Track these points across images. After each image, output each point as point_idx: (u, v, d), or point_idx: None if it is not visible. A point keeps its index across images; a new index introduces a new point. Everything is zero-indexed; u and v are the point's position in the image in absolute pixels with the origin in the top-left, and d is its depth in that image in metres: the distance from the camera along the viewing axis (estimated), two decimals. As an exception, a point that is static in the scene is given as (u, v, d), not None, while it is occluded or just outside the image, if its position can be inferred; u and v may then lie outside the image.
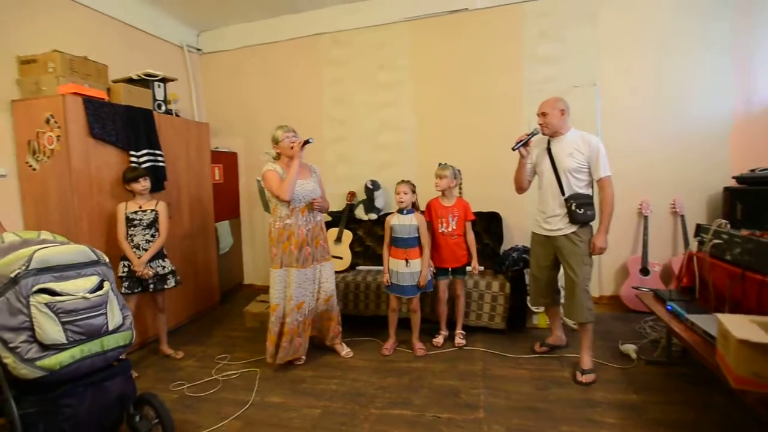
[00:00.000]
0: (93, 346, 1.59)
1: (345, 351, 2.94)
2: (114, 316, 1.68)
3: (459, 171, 3.03)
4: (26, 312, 1.47)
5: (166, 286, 2.87)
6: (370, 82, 4.12)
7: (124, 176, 2.84)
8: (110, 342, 1.65)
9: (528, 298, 3.18)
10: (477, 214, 3.23)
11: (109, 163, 2.95)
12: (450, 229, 2.94)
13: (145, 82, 3.31)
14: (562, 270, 2.63)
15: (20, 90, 2.82)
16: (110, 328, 1.66)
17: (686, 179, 3.46)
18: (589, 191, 2.51)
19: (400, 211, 2.87)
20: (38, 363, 1.46)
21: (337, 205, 4.02)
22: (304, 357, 2.84)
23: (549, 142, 2.57)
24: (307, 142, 2.60)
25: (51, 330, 1.49)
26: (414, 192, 2.88)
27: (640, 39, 3.48)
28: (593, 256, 2.51)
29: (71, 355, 1.53)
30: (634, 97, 3.52)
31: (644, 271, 3.45)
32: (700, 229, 2.56)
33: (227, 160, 4.44)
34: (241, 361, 2.91)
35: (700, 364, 2.39)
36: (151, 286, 2.80)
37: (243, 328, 3.55)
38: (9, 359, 1.44)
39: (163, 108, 3.44)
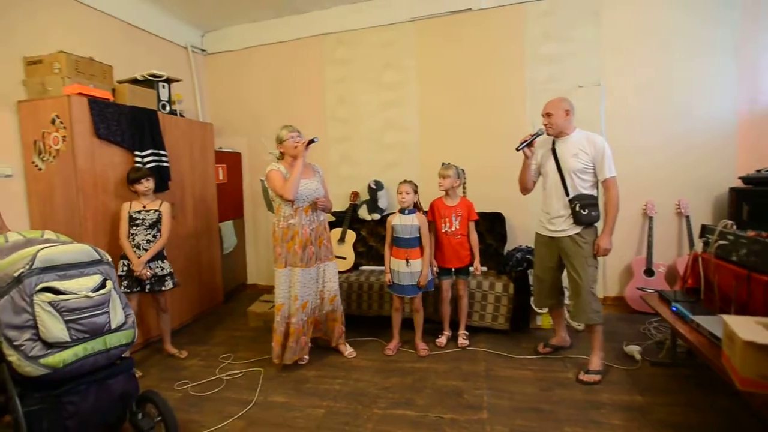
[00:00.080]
0: (96, 345, 1.61)
1: (348, 351, 2.94)
2: (116, 314, 1.70)
3: (462, 171, 3.03)
4: (30, 310, 1.49)
5: (164, 288, 2.86)
6: (373, 82, 4.12)
7: (127, 177, 2.86)
8: (113, 340, 1.67)
9: (532, 299, 3.17)
10: (480, 214, 3.22)
11: (114, 163, 2.97)
12: (453, 229, 2.94)
13: (149, 82, 3.32)
14: (566, 271, 2.62)
15: (26, 91, 2.84)
16: (113, 326, 1.67)
17: (691, 180, 3.43)
18: (593, 192, 2.49)
19: (402, 211, 2.87)
20: (42, 361, 1.48)
21: (340, 205, 4.03)
22: (307, 357, 2.85)
23: (554, 143, 2.55)
24: (311, 141, 2.61)
25: (55, 328, 1.50)
26: (416, 192, 2.88)
27: (645, 38, 3.46)
28: (598, 258, 2.49)
29: (74, 353, 1.54)
30: (639, 96, 3.50)
31: (649, 272, 3.43)
32: (705, 230, 2.54)
33: (231, 161, 4.45)
34: (244, 361, 2.91)
35: (706, 366, 2.37)
36: (148, 286, 2.80)
37: (246, 328, 3.56)
38: (13, 357, 1.46)
39: (168, 108, 3.46)
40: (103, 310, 1.64)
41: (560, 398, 2.31)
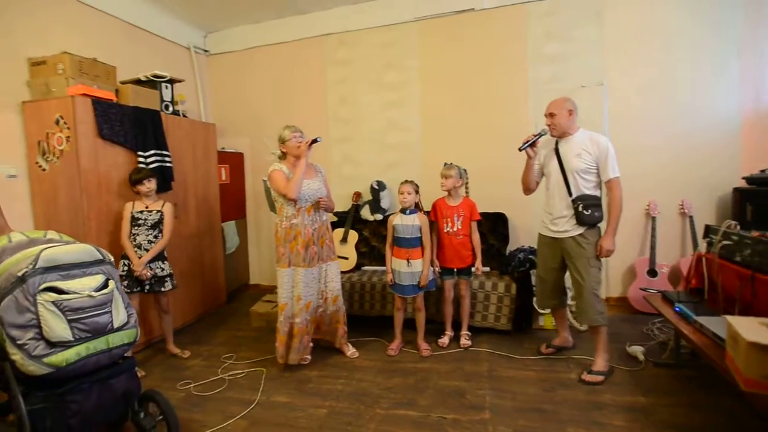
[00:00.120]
0: (98, 344, 1.62)
1: (351, 351, 2.95)
2: (119, 314, 1.71)
3: (465, 171, 3.03)
4: (33, 310, 1.50)
5: (162, 289, 2.86)
6: (376, 83, 4.12)
7: (130, 178, 2.86)
8: (115, 339, 1.68)
9: (534, 299, 3.17)
10: (483, 214, 3.22)
11: (118, 164, 2.98)
12: (455, 229, 2.93)
13: (152, 83, 3.34)
14: (569, 272, 2.61)
15: (30, 91, 2.85)
16: (115, 325, 1.68)
17: (695, 180, 3.42)
18: (597, 192, 2.47)
19: (403, 211, 2.87)
20: (45, 360, 1.49)
21: (342, 205, 4.03)
22: (309, 357, 2.85)
23: (557, 143, 2.54)
24: (314, 141, 2.61)
25: (58, 327, 1.51)
26: (417, 192, 2.88)
27: (648, 38, 3.45)
28: (601, 259, 2.48)
29: (77, 353, 1.55)
30: (642, 96, 3.49)
31: (652, 272, 3.42)
32: (709, 230, 2.53)
33: (233, 161, 4.46)
34: (247, 361, 2.92)
35: (709, 367, 2.36)
36: (148, 287, 2.80)
37: (249, 328, 3.57)
38: (17, 356, 1.46)
39: (171, 109, 3.47)
40: (106, 310, 1.65)
41: (563, 399, 2.30)
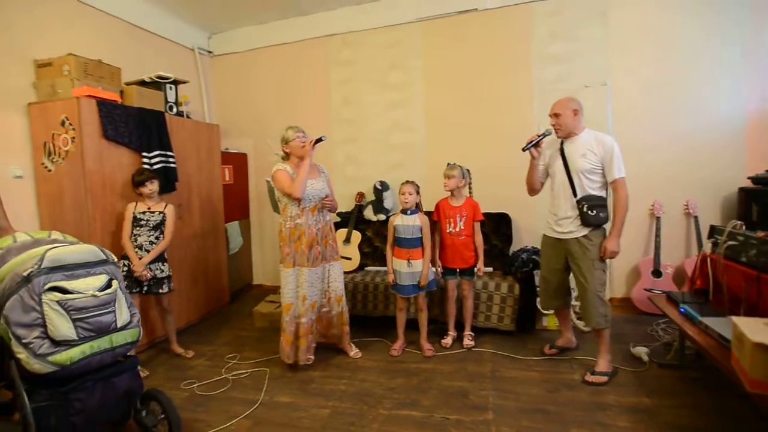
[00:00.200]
0: (102, 343, 1.64)
1: (354, 351, 2.95)
2: (122, 313, 1.72)
3: (468, 171, 3.02)
4: (39, 309, 1.52)
5: (160, 291, 2.87)
6: (379, 83, 4.12)
7: (132, 179, 2.87)
8: (118, 339, 1.70)
9: (537, 299, 3.16)
10: (486, 214, 3.21)
11: (122, 164, 3.00)
12: (457, 229, 2.93)
13: (157, 84, 3.35)
14: (572, 274, 2.59)
15: (36, 93, 2.88)
16: (119, 325, 1.70)
17: (700, 180, 3.40)
18: (602, 193, 2.45)
19: (404, 211, 2.88)
20: (50, 358, 1.51)
21: (345, 205, 4.03)
22: (312, 357, 2.85)
23: (562, 143, 2.52)
24: (319, 140, 2.62)
25: (62, 327, 1.53)
26: (418, 193, 2.88)
27: (653, 37, 3.43)
28: (606, 260, 2.45)
29: (81, 351, 1.57)
30: (647, 96, 3.47)
31: (656, 272, 3.40)
32: (714, 231, 2.52)
33: (237, 161, 4.48)
34: (250, 361, 2.93)
35: (714, 368, 2.34)
36: (146, 288, 2.81)
37: (252, 328, 3.58)
38: (22, 354, 1.48)
39: (175, 110, 3.49)
40: (109, 309, 1.67)
41: (567, 400, 2.29)
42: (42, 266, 1.55)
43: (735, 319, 1.69)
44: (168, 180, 3.25)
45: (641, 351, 2.69)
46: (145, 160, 3.11)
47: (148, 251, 2.81)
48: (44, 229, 2.63)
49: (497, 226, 3.66)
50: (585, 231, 2.44)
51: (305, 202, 2.67)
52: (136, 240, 2.80)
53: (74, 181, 2.78)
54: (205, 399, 2.46)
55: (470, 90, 3.87)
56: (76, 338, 1.56)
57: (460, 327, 3.10)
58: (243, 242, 4.50)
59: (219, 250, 4.02)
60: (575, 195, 2.44)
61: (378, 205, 3.96)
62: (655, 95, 3.46)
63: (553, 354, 2.82)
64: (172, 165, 3.31)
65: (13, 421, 1.69)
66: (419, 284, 2.84)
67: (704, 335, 2.05)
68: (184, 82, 3.61)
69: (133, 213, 2.82)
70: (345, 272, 3.24)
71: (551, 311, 3.08)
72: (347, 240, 3.79)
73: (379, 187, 3.96)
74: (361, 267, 3.77)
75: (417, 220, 2.85)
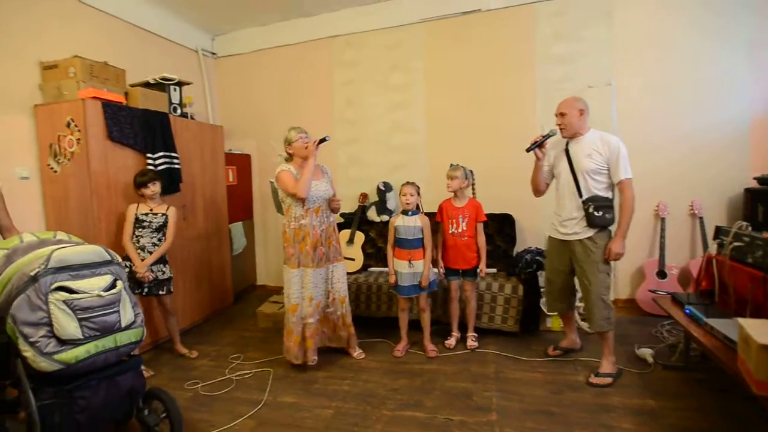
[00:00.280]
0: (107, 342, 1.65)
1: (357, 352, 2.95)
2: (126, 313, 1.74)
3: (471, 172, 3.02)
4: (45, 308, 1.54)
5: (160, 292, 2.87)
6: (382, 84, 4.13)
7: (134, 180, 2.86)
8: (123, 338, 1.71)
9: (541, 300, 3.15)
10: (490, 215, 3.21)
11: (127, 166, 3.01)
12: (460, 230, 2.92)
13: (161, 85, 3.37)
14: (576, 276, 2.58)
15: (43, 95, 2.90)
16: (123, 325, 1.71)
17: (705, 180, 3.38)
18: (608, 194, 2.42)
19: (405, 212, 2.88)
20: (56, 357, 1.52)
21: (349, 206, 4.04)
22: (316, 357, 2.85)
23: (567, 143, 2.51)
24: (323, 140, 2.63)
25: (68, 326, 1.55)
26: (419, 194, 2.89)
27: (658, 37, 3.42)
28: (611, 263, 2.43)
29: (86, 350, 1.59)
30: (652, 96, 3.46)
31: (661, 274, 3.38)
32: (719, 232, 2.50)
33: (241, 162, 4.49)
34: (254, 361, 2.93)
35: (720, 370, 2.32)
36: (146, 289, 2.81)
37: (256, 329, 3.58)
38: (29, 353, 1.50)
39: (179, 111, 3.50)
40: (114, 309, 1.69)
41: (571, 401, 2.28)
42: (48, 266, 1.57)
43: (741, 320, 1.68)
44: (172, 181, 3.26)
45: (646, 352, 2.68)
46: (150, 161, 3.13)
47: (150, 253, 2.81)
48: (50, 230, 2.66)
49: (501, 226, 3.65)
50: (590, 233, 2.42)
51: (309, 203, 2.68)
52: (138, 241, 2.80)
53: (80, 182, 2.79)
54: (208, 399, 2.47)
55: (473, 91, 3.87)
56: (82, 337, 1.57)
57: (463, 328, 3.10)
58: (246, 243, 4.51)
59: (223, 250, 4.03)
60: (580, 196, 2.42)
61: (381, 206, 3.97)
62: (660, 95, 3.45)
63: (557, 355, 2.81)
64: (177, 166, 3.33)
65: (18, 419, 1.71)
66: (420, 285, 2.84)
67: (710, 337, 2.04)
68: (188, 84, 3.62)
69: (135, 214, 2.82)
70: (348, 273, 3.25)
71: (556, 313, 3.07)
72: (350, 241, 3.80)
73: (383, 188, 3.97)
74: (364, 268, 3.77)
75: (418, 221, 2.85)
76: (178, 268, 3.34)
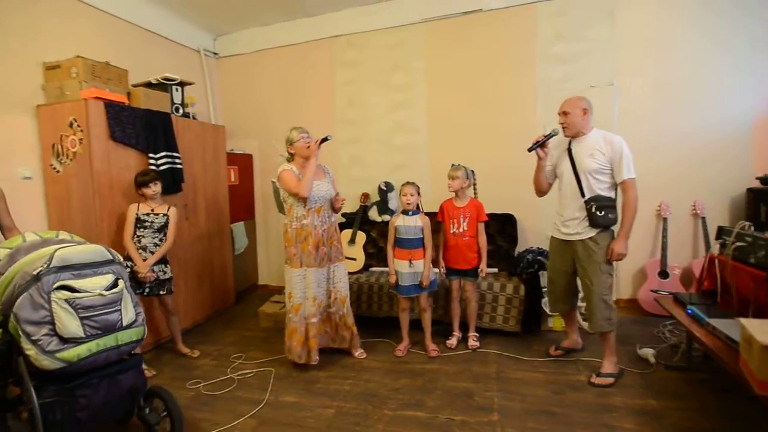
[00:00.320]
0: (108, 341, 1.67)
1: (358, 352, 2.95)
2: (128, 312, 1.75)
3: (472, 172, 3.02)
4: (47, 307, 1.55)
5: (161, 292, 2.86)
6: (383, 84, 4.13)
7: (135, 179, 2.85)
8: (124, 337, 1.72)
9: (543, 300, 3.15)
10: (491, 215, 3.20)
11: (129, 166, 3.02)
12: (461, 230, 2.92)
13: (163, 86, 3.38)
14: (578, 276, 2.57)
15: (45, 95, 2.91)
16: (124, 323, 1.72)
17: (707, 180, 3.37)
18: (611, 194, 2.41)
19: (405, 212, 2.88)
20: (58, 355, 1.54)
21: (350, 206, 4.04)
22: (318, 357, 2.85)
23: (570, 143, 2.50)
24: (325, 139, 2.63)
25: (70, 324, 1.56)
26: (419, 194, 2.89)
27: (660, 36, 3.41)
28: (613, 263, 2.42)
29: (88, 349, 1.60)
30: (654, 96, 3.45)
31: (663, 274, 3.37)
32: (722, 232, 2.50)
33: (242, 162, 4.50)
34: (255, 361, 2.94)
35: (722, 370, 2.32)
36: (147, 290, 2.80)
37: (257, 328, 3.59)
38: (31, 351, 1.51)
39: (181, 111, 3.51)
40: (116, 308, 1.70)
41: (572, 401, 2.28)
42: (51, 265, 1.58)
43: (743, 320, 1.67)
44: (174, 181, 3.27)
45: (648, 352, 2.67)
46: (152, 161, 3.13)
47: (152, 253, 2.81)
48: (53, 230, 2.67)
49: (502, 226, 3.65)
50: (592, 233, 2.40)
51: (311, 203, 2.68)
52: (140, 241, 2.80)
53: (82, 182, 2.80)
54: (210, 398, 2.48)
55: (474, 91, 3.86)
56: (84, 336, 1.59)
57: (464, 327, 3.10)
58: (248, 243, 4.52)
59: (224, 250, 4.04)
60: (583, 195, 2.41)
61: (383, 206, 3.97)
62: (662, 95, 3.44)
63: (559, 355, 2.80)
64: (179, 166, 3.34)
65: (20, 418, 1.72)
66: (421, 284, 2.84)
67: (712, 337, 2.03)
68: (189, 84, 3.63)
69: (137, 214, 2.81)
70: (350, 273, 3.25)
71: (558, 313, 3.06)
72: (352, 241, 3.80)
73: (384, 188, 3.97)
74: (365, 268, 3.77)
75: (418, 221, 2.85)
76: (179, 268, 3.35)
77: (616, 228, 2.42)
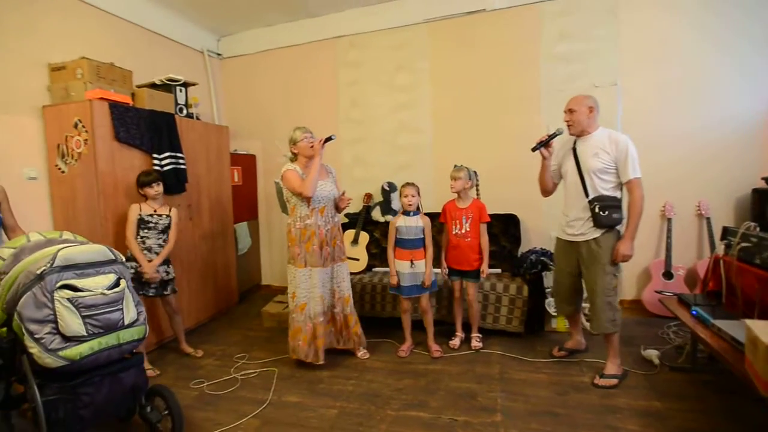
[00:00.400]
0: (110, 339, 1.68)
1: (361, 352, 2.95)
2: (129, 311, 1.76)
3: (475, 172, 3.01)
4: (50, 306, 1.56)
5: (165, 293, 2.87)
6: (387, 84, 4.13)
7: (137, 179, 2.84)
8: (126, 335, 1.74)
9: (546, 301, 3.14)
10: (494, 216, 3.19)
11: (134, 166, 3.03)
12: (463, 231, 2.92)
13: (167, 86, 3.40)
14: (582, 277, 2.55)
15: (51, 96, 2.93)
16: (126, 322, 1.74)
17: (712, 180, 3.35)
18: (617, 194, 2.38)
19: (406, 212, 2.88)
20: (61, 353, 1.55)
21: (353, 206, 4.03)
22: (323, 358, 2.85)
23: (575, 142, 2.48)
24: (328, 139, 2.64)
25: (73, 323, 1.58)
26: (419, 194, 2.89)
27: (664, 36, 3.39)
28: (618, 264, 2.38)
29: (90, 347, 1.61)
30: (658, 95, 3.43)
31: (668, 274, 3.35)
32: (727, 232, 2.48)
33: (246, 163, 4.51)
34: (259, 361, 2.94)
35: (727, 372, 2.30)
36: (152, 291, 2.81)
37: (261, 328, 3.60)
38: (34, 349, 1.53)
39: (185, 112, 3.53)
40: (118, 307, 1.71)
41: (576, 402, 2.27)
42: (54, 265, 1.59)
43: (749, 322, 1.66)
44: (178, 181, 3.28)
45: (652, 354, 2.65)
46: (156, 161, 3.15)
47: (157, 254, 2.82)
48: (57, 230, 2.68)
49: (505, 227, 3.64)
50: (596, 234, 2.37)
51: (315, 203, 2.69)
52: (144, 242, 2.80)
53: (87, 183, 2.82)
54: (214, 398, 2.48)
55: (478, 91, 3.86)
56: (86, 334, 1.60)
57: (467, 328, 3.09)
58: (251, 243, 4.53)
59: (228, 250, 4.05)
60: (587, 195, 2.38)
61: (386, 206, 3.97)
62: (666, 95, 3.42)
63: (563, 356, 2.79)
64: (182, 166, 3.35)
65: (24, 415, 1.74)
66: (423, 284, 2.83)
67: (717, 338, 2.02)
68: (193, 85, 3.65)
69: (140, 215, 2.80)
70: (353, 273, 3.25)
71: (564, 315, 3.05)
72: (355, 241, 3.80)
73: (387, 188, 3.97)
74: (368, 268, 3.77)
75: (419, 221, 2.86)
76: (183, 268, 3.36)
77: (621, 228, 2.39)
